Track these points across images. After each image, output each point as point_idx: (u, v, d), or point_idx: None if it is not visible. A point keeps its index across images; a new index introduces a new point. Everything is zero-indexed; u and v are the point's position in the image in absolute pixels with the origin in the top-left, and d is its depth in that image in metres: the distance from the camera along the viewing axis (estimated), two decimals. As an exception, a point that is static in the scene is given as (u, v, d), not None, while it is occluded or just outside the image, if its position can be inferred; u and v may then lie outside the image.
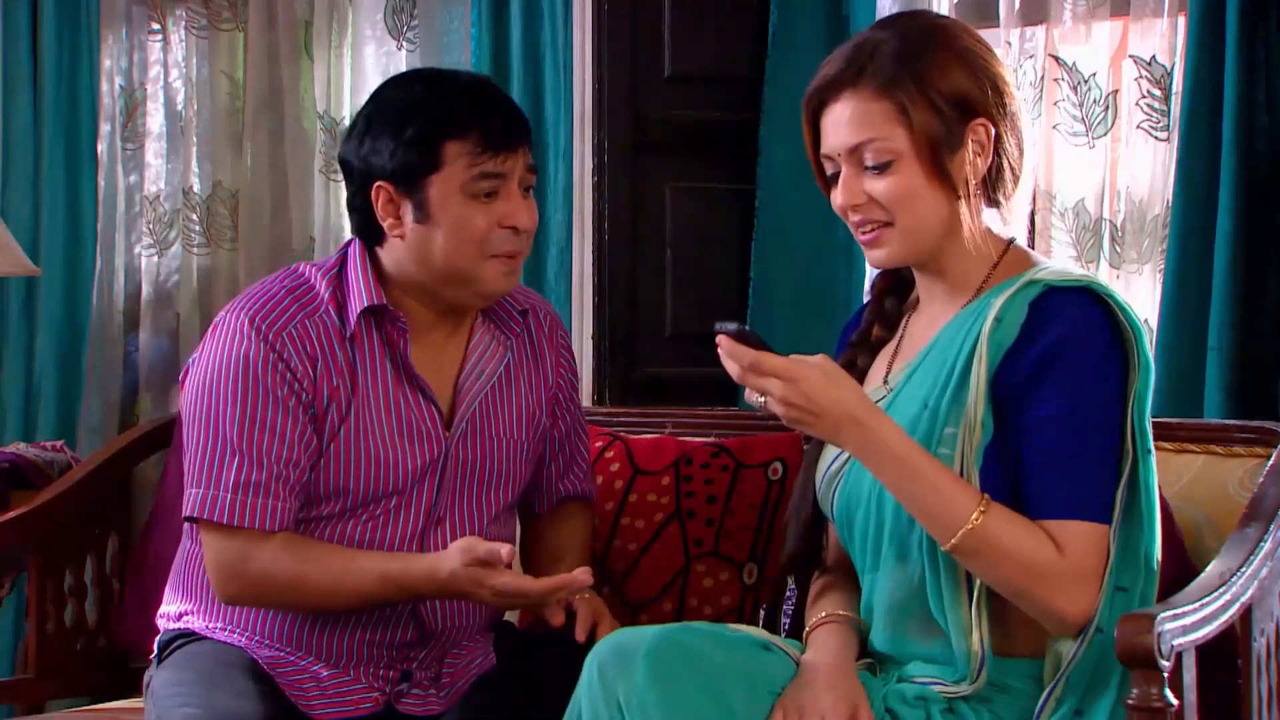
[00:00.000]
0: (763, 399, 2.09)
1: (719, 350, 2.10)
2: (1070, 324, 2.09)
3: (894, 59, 2.16)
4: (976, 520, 2.05)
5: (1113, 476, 2.10)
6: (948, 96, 2.14)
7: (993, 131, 2.15)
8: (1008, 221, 2.23)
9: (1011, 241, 2.23)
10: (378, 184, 2.48)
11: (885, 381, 2.26)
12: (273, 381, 2.46)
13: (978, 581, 2.12)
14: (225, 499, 2.45)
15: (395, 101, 2.52)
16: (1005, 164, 2.17)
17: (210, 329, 2.54)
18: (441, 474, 2.56)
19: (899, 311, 2.33)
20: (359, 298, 2.51)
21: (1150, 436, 2.12)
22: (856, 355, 2.33)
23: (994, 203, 2.21)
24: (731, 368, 2.09)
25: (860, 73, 2.17)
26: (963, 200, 2.16)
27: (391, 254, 2.52)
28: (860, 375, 2.30)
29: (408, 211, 2.48)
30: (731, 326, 2.10)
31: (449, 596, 2.48)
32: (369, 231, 2.54)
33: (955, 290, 2.22)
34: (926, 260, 2.22)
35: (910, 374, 2.20)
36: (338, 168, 3.34)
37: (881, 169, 2.16)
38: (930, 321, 2.24)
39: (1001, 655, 2.15)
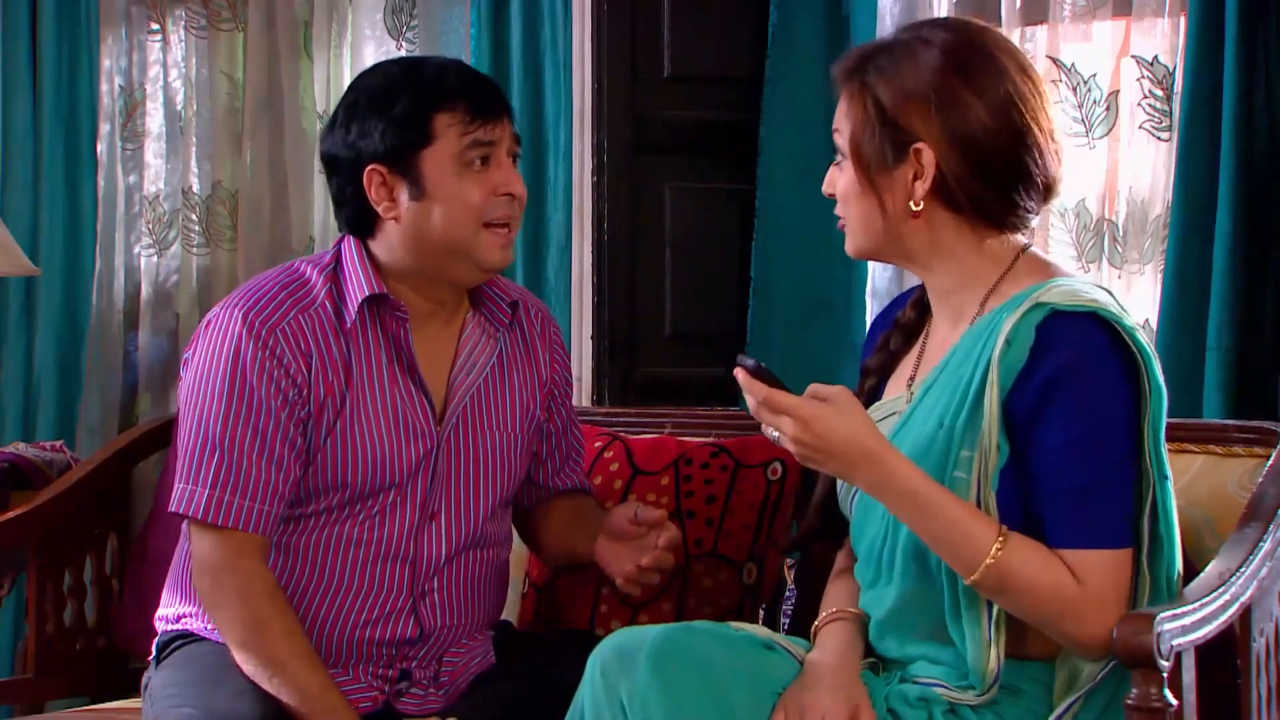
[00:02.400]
0: (777, 434, 2.11)
1: (739, 383, 2.13)
2: (1075, 349, 2.08)
3: (867, 61, 2.19)
4: (996, 554, 2.06)
5: (1130, 499, 2.10)
6: (886, 110, 2.15)
7: (931, 156, 2.14)
8: (1020, 233, 2.21)
9: (1024, 249, 2.21)
10: (370, 168, 2.48)
11: (909, 386, 2.27)
12: (261, 384, 2.46)
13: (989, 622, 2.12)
14: (205, 496, 2.45)
15: (377, 86, 2.53)
16: (955, 190, 2.14)
17: (204, 324, 2.54)
18: (434, 468, 2.56)
19: (921, 318, 2.33)
20: (359, 288, 2.51)
21: (1166, 462, 2.12)
22: (889, 357, 2.35)
23: (984, 221, 2.18)
24: (750, 401, 2.12)
25: (854, 69, 2.20)
26: (906, 217, 2.17)
27: (386, 241, 2.52)
28: (886, 376, 2.33)
29: (403, 191, 2.49)
30: (750, 362, 2.13)
31: None
32: (361, 222, 2.53)
33: (959, 303, 2.21)
34: (917, 264, 2.23)
35: (926, 390, 2.20)
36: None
37: (840, 162, 2.21)
38: (946, 334, 2.24)
39: (1012, 657, 2.14)
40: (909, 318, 2.33)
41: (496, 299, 2.63)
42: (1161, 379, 2.10)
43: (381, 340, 2.54)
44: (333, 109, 4.15)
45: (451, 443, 2.57)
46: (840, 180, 2.21)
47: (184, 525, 2.62)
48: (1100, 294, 2.12)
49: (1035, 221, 2.24)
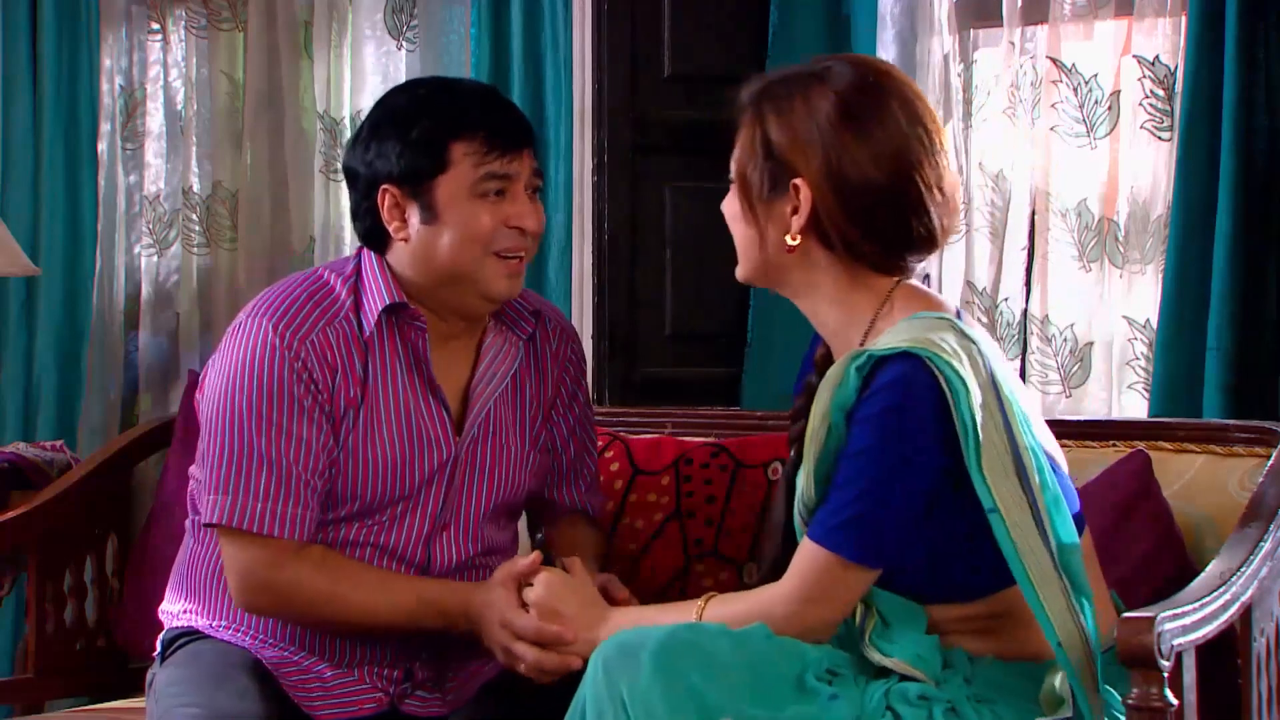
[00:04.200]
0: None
1: None
2: (888, 378, 2.09)
3: (764, 93, 2.22)
4: (701, 613, 2.21)
5: (900, 518, 2.10)
6: (772, 144, 2.19)
7: (808, 194, 2.16)
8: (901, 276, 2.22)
9: (898, 283, 2.21)
10: (384, 188, 2.49)
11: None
12: (297, 388, 2.45)
13: (867, 633, 2.16)
14: (255, 507, 2.44)
15: (400, 105, 2.52)
16: (829, 230, 2.17)
17: (231, 331, 2.53)
18: (450, 479, 2.56)
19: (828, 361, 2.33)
20: (378, 297, 2.51)
21: (991, 495, 2.07)
22: (809, 400, 2.34)
23: (858, 263, 2.19)
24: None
25: (751, 99, 2.24)
26: (781, 249, 2.19)
27: (396, 259, 2.53)
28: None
29: (414, 214, 2.49)
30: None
31: (471, 626, 2.45)
32: (375, 238, 2.54)
33: (844, 343, 2.23)
34: (799, 298, 2.26)
35: (810, 439, 2.22)
36: (338, 168, 3.34)
37: (730, 186, 2.25)
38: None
39: (1003, 658, 2.16)
40: (821, 355, 2.34)
41: (520, 308, 2.63)
42: (973, 412, 2.07)
43: (400, 350, 2.53)
44: (333, 109, 4.20)
45: (470, 453, 2.57)
46: (728, 204, 2.26)
47: (191, 527, 2.62)
48: (928, 334, 2.11)
49: (918, 267, 2.24)
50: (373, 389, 2.51)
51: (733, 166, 2.24)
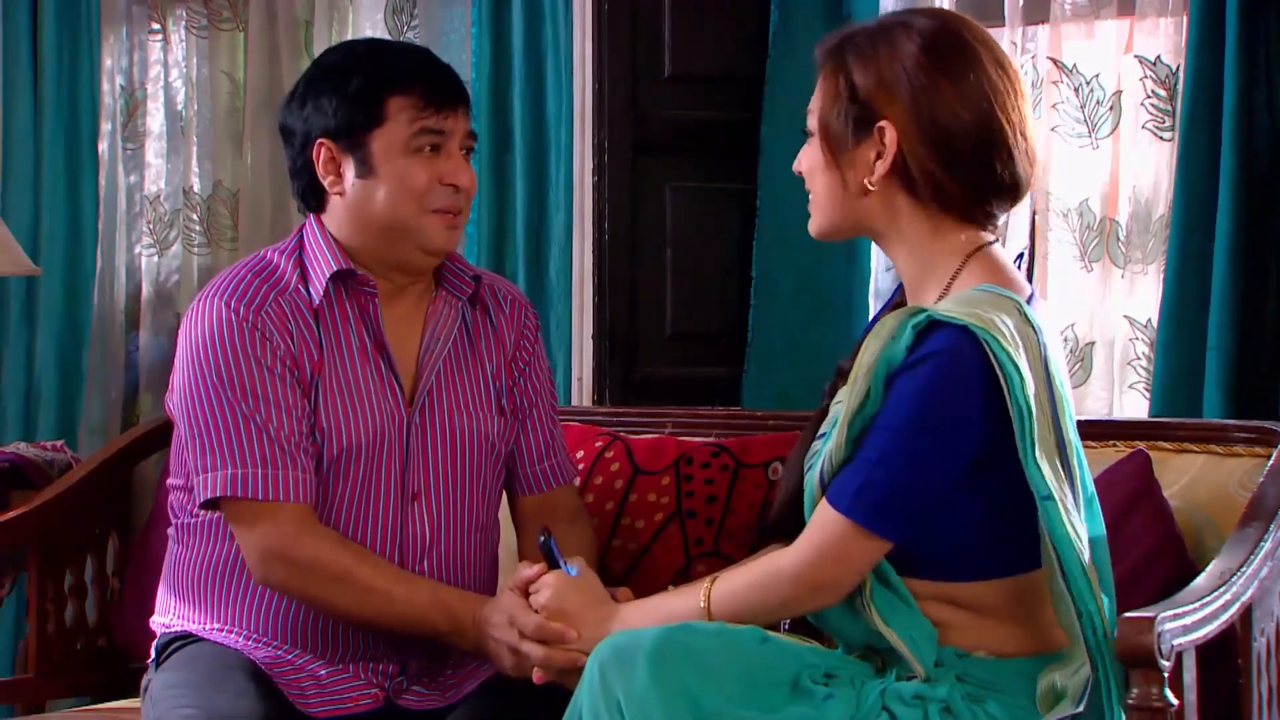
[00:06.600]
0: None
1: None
2: (937, 348, 2.09)
3: (847, 42, 2.21)
4: (709, 592, 2.21)
5: (927, 496, 2.10)
6: (858, 89, 2.18)
7: (894, 135, 2.15)
8: (983, 229, 2.21)
9: (978, 249, 2.20)
10: (319, 141, 2.52)
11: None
12: (264, 355, 2.47)
13: (867, 588, 2.15)
14: (255, 474, 2.44)
15: (337, 62, 2.57)
16: (915, 172, 2.16)
17: (184, 321, 2.54)
18: (407, 448, 2.56)
19: None
20: (324, 264, 2.53)
21: (1047, 483, 2.07)
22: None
23: (943, 209, 2.18)
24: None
25: (833, 49, 2.24)
26: (861, 194, 2.19)
27: (334, 217, 2.55)
28: None
29: (349, 168, 2.51)
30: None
31: (478, 636, 2.44)
32: (311, 195, 2.57)
33: (920, 299, 2.22)
34: (883, 241, 2.25)
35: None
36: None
37: (810, 140, 2.24)
38: None
39: (996, 655, 2.15)
40: (896, 307, 2.33)
41: (459, 273, 2.64)
42: (1028, 400, 2.07)
43: (352, 317, 2.55)
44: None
45: (424, 423, 2.57)
46: (806, 157, 2.25)
47: (175, 532, 2.62)
48: (990, 313, 2.09)
49: (1002, 220, 2.24)
50: (329, 357, 2.52)
51: (811, 119, 2.23)
